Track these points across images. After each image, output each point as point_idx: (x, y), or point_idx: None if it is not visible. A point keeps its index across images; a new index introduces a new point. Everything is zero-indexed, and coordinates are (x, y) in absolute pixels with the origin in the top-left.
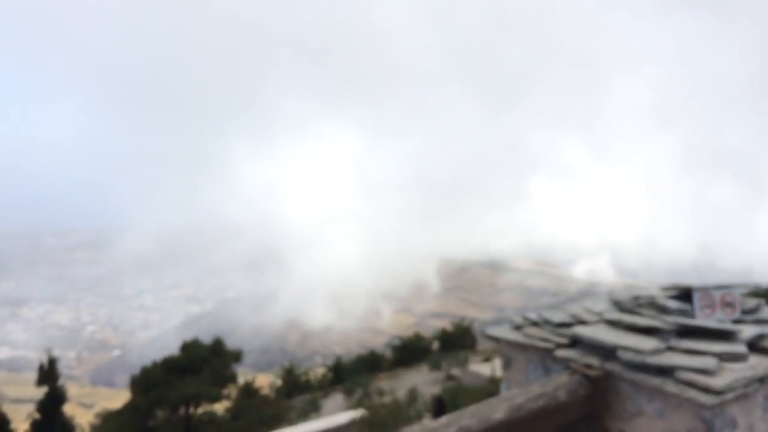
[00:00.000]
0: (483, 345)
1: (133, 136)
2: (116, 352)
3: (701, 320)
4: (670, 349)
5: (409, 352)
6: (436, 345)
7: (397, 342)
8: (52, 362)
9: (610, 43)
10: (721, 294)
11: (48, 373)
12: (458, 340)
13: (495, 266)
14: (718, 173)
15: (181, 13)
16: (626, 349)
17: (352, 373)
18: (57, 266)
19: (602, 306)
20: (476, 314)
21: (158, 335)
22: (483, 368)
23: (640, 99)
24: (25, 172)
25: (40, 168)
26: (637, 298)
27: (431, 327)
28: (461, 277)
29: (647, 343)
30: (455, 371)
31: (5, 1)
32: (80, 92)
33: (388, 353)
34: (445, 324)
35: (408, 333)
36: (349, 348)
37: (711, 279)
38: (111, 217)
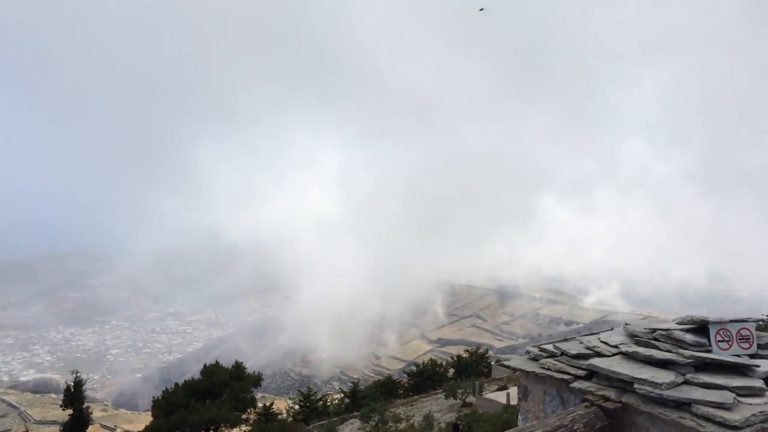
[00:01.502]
0: (498, 373)
1: (113, 150)
2: (139, 376)
3: (718, 354)
4: (687, 382)
5: (425, 378)
6: (451, 372)
7: (412, 368)
8: (79, 385)
9: (627, 35)
10: (737, 328)
11: (74, 396)
12: (474, 368)
13: (506, 294)
14: (735, 195)
15: (174, 14)
16: (643, 381)
17: (369, 399)
18: (83, 290)
19: (618, 338)
20: (489, 341)
21: (180, 358)
22: (499, 396)
23: (652, 109)
24: (49, 195)
25: (53, 188)
26: (653, 330)
27: (445, 354)
28: (473, 304)
29: (664, 376)
30: (471, 399)
31: None
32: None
33: (404, 379)
34: (459, 351)
35: (422, 360)
36: (365, 374)
37: (724, 309)
38: (129, 241)
